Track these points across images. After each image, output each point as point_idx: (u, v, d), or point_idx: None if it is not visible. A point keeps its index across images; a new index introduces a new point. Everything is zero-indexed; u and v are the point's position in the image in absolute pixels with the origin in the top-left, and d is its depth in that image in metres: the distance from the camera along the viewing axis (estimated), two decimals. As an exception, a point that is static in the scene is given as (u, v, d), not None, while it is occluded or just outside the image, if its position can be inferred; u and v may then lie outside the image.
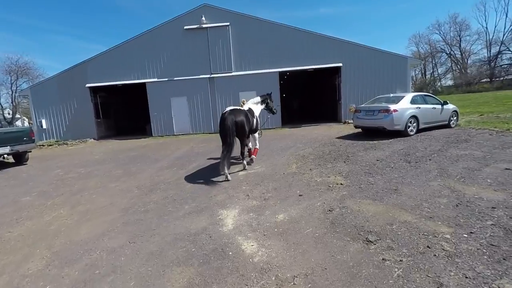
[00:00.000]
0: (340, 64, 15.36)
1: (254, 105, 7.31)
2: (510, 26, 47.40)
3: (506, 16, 48.42)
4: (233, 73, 15.76)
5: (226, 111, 6.08)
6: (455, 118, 10.65)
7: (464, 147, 6.91)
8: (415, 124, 9.25)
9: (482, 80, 44.06)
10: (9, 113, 42.58)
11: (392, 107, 8.94)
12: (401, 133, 9.17)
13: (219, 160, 6.38)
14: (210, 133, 16.10)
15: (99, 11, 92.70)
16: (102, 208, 4.90)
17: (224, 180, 5.91)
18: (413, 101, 9.39)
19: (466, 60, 52.90)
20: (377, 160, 6.45)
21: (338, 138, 10.38)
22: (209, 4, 15.43)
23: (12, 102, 41.42)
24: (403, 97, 9.41)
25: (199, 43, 15.64)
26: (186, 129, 16.33)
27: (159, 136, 16.43)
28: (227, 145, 5.78)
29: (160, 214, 4.34)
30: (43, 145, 15.25)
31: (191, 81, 15.90)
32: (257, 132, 7.51)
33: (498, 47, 46.55)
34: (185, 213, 4.30)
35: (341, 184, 5.02)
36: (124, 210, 4.67)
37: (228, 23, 15.30)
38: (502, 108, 15.56)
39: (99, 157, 10.55)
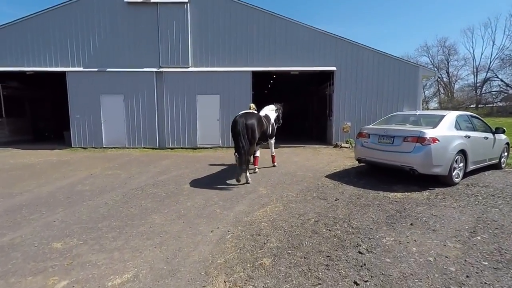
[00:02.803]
0: (334, 68, 11.63)
1: (270, 111, 7.37)
2: (497, 53, 47.13)
3: (493, 43, 48.39)
4: (190, 69, 11.57)
5: (238, 115, 5.94)
6: (506, 154, 6.97)
7: None
8: (461, 164, 5.39)
9: (471, 106, 42.81)
10: None
11: (429, 133, 5.02)
12: (440, 180, 5.27)
13: None
14: (153, 148, 11.64)
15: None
16: None
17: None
18: (458, 125, 5.56)
19: (453, 84, 52.22)
20: (431, 263, 2.37)
21: (329, 176, 6.31)
22: (163, -26, 11.35)
23: None
24: (442, 117, 5.54)
25: (145, 25, 11.41)
26: (120, 140, 11.76)
27: (80, 147, 11.73)
28: (240, 149, 5.49)
29: None
30: None
31: (131, 74, 11.51)
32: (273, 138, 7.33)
33: (484, 74, 46.00)
34: None
35: None
36: None
37: (186, 0, 11.23)
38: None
39: None
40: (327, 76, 12.45)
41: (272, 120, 7.24)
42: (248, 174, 5.79)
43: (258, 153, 7.02)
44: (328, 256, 2.81)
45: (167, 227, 3.66)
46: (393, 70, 11.68)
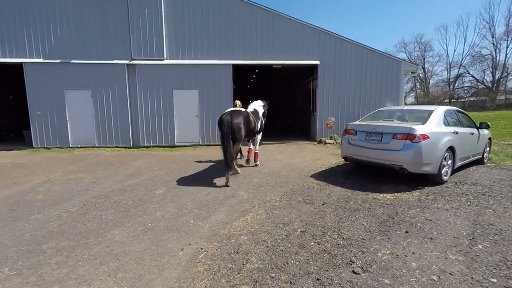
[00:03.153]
0: (317, 62, 11.27)
1: (258, 107, 7.26)
2: (468, 50, 49.49)
3: (465, 40, 50.82)
4: (166, 61, 10.73)
5: (225, 113, 5.71)
6: (488, 149, 6.95)
7: None
8: (450, 161, 5.19)
9: (445, 101, 44.72)
10: None
11: (419, 130, 4.74)
12: (429, 178, 5.04)
13: None
14: (127, 148, 10.76)
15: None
16: None
17: None
18: (446, 121, 5.35)
19: (428, 80, 54.29)
20: (435, 283, 2.01)
21: (315, 176, 5.93)
22: (134, -43, 10.34)
23: None
24: (431, 112, 5.29)
25: (113, 12, 10.39)
26: (88, 139, 10.75)
27: (43, 148, 10.61)
28: (225, 148, 5.36)
29: None
30: None
31: (100, 67, 10.49)
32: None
33: (457, 70, 48.17)
34: None
35: None
36: None
37: (159, -14, 10.35)
38: (500, 131, 12.83)
39: None
40: (311, 70, 12.09)
41: (261, 115, 7.18)
42: (229, 176, 5.38)
43: (251, 146, 7.40)
44: (318, 279, 2.38)
45: (129, 245, 3.08)
46: (376, 64, 11.53)
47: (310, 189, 5.00)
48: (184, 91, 10.86)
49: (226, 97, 10.99)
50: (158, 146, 10.95)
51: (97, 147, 10.73)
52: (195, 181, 5.74)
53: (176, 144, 11.01)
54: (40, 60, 10.32)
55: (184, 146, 10.97)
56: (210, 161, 7.80)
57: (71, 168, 7.23)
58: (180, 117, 10.97)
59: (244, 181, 5.68)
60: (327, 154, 8.71)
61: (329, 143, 10.80)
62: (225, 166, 5.35)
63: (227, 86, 10.98)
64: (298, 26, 11.11)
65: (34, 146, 10.62)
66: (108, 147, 10.75)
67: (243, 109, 6.25)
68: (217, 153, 9.19)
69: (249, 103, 7.39)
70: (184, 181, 5.72)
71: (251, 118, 6.25)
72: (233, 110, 5.89)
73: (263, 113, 7.63)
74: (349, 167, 6.66)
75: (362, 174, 5.96)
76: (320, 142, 11.16)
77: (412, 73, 12.32)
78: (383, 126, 5.19)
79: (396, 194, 4.60)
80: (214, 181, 5.66)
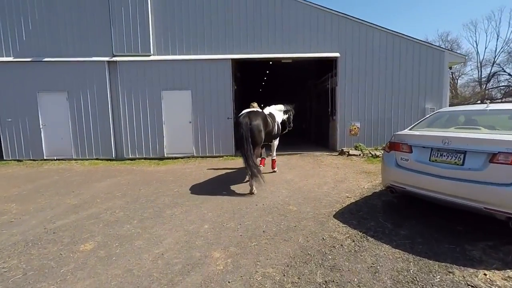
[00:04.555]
0: (337, 54, 9.11)
1: (276, 111, 6.84)
2: (502, 47, 44.90)
3: (498, 36, 46.16)
4: (152, 57, 8.99)
5: (241, 115, 5.31)
6: None
7: None
8: None
9: (477, 102, 40.54)
10: None
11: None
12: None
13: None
14: (109, 160, 9.06)
15: None
16: None
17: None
18: None
19: (456, 80, 49.98)
20: None
21: (341, 216, 3.74)
22: None
23: None
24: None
25: (92, 1, 8.82)
26: (65, 150, 9.15)
27: (15, 160, 9.13)
28: (245, 153, 4.91)
29: None
30: None
31: (76, 65, 8.91)
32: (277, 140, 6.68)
33: (490, 68, 43.78)
34: None
35: None
36: None
37: (144, -32, 8.68)
38: None
39: None
40: (329, 66, 9.93)
41: (278, 119, 6.73)
42: (253, 183, 4.91)
43: (264, 155, 6.87)
44: None
45: None
46: (411, 56, 9.18)
47: (335, 250, 2.86)
48: (174, 92, 9.04)
49: (225, 98, 9.06)
50: (145, 158, 9.16)
51: (75, 160, 9.11)
52: (155, 223, 3.76)
53: (166, 155, 9.18)
54: (10, 58, 8.89)
55: (176, 158, 9.12)
56: (196, 183, 5.82)
57: (12, 191, 5.50)
58: (170, 124, 9.15)
59: (230, 223, 3.63)
60: (353, 172, 6.48)
61: (353, 155, 8.53)
62: (248, 175, 4.98)
63: (225, 85, 9.05)
64: (312, 10, 9.03)
65: (5, 158, 9.17)
66: (86, 160, 9.08)
67: (260, 110, 5.78)
68: (210, 169, 7.22)
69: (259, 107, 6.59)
70: (139, 223, 3.75)
71: (269, 120, 5.81)
72: (251, 111, 5.42)
73: (288, 119, 7.31)
74: (393, 197, 4.44)
75: (419, 213, 3.73)
76: (342, 153, 8.91)
77: (459, 65, 9.79)
78: (465, 139, 2.97)
79: (508, 271, 2.38)
80: (183, 224, 3.66)
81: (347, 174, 6.27)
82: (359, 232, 3.24)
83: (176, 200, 4.69)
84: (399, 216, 3.69)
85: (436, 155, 3.14)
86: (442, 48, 9.75)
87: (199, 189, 5.38)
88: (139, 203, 4.62)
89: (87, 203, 4.66)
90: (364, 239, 3.08)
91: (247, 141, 4.95)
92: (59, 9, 8.79)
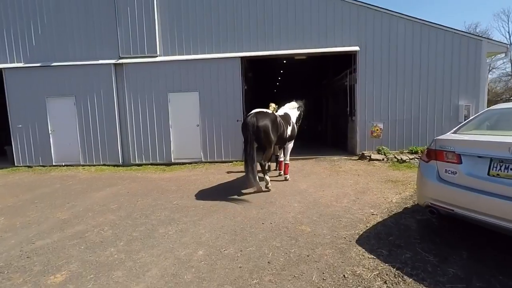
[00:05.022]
0: (356, 48, 8.27)
1: (291, 110, 6.36)
2: (540, 37, 40.98)
3: (533, 27, 42.27)
4: (159, 58, 8.62)
5: (249, 114, 5.06)
6: None
7: None
8: None
9: (511, 98, 37.27)
10: None
11: None
12: None
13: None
14: (116, 166, 8.80)
15: None
16: None
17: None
18: None
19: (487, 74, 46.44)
20: None
21: (366, 243, 2.97)
22: None
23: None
24: None
25: (98, 3, 8.61)
26: (73, 155, 9.00)
27: (25, 166, 9.11)
28: (246, 156, 4.79)
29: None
30: None
31: (84, 69, 8.73)
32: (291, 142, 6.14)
33: (526, 61, 40.05)
34: None
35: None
36: None
37: (149, -35, 8.34)
38: None
39: None
40: (347, 61, 9.09)
41: (293, 120, 6.20)
42: (267, 177, 5.04)
43: (282, 158, 6.22)
44: None
45: None
46: (442, 46, 8.14)
47: (363, 297, 2.15)
48: (181, 94, 8.61)
49: (234, 100, 8.50)
50: (151, 164, 8.80)
51: (82, 166, 8.93)
52: (143, 246, 3.22)
53: (173, 161, 8.76)
54: (21, 64, 8.89)
55: (183, 163, 8.67)
56: (198, 194, 5.27)
57: (8, 202, 5.24)
58: (177, 128, 8.73)
59: (230, 249, 3.01)
60: (377, 180, 5.65)
61: (376, 160, 7.63)
62: (245, 179, 4.77)
63: (235, 85, 8.49)
64: (328, 0, 8.26)
65: (16, 164, 9.18)
66: (93, 165, 8.88)
67: (270, 111, 5.45)
68: (217, 176, 6.68)
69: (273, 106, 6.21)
70: (125, 246, 3.23)
71: (280, 121, 5.36)
72: (259, 111, 5.12)
73: (299, 116, 6.64)
74: (427, 216, 3.61)
75: (470, 241, 2.92)
76: (362, 157, 8.04)
77: (501, 55, 8.59)
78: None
79: None
80: (174, 249, 3.09)
81: (370, 184, 5.45)
82: (391, 268, 2.49)
83: (173, 215, 4.15)
84: (443, 244, 2.89)
85: (498, 167, 2.34)
86: (479, 36, 8.60)
87: (201, 201, 4.81)
88: (132, 218, 4.12)
89: (77, 218, 4.23)
90: (400, 279, 2.34)
91: (251, 143, 4.75)
92: (67, 12, 8.66)
